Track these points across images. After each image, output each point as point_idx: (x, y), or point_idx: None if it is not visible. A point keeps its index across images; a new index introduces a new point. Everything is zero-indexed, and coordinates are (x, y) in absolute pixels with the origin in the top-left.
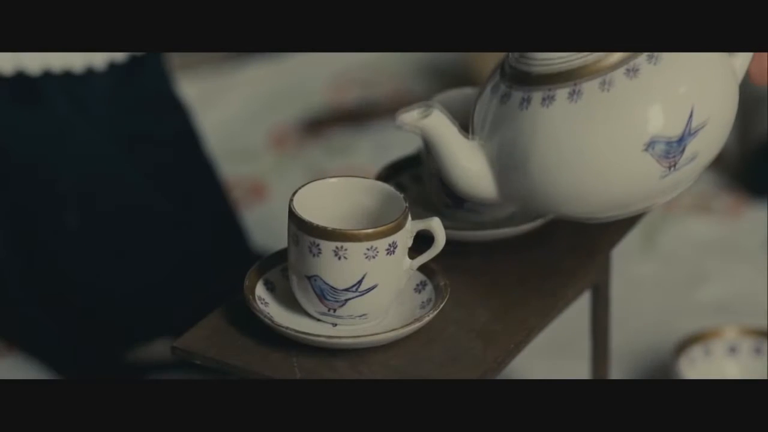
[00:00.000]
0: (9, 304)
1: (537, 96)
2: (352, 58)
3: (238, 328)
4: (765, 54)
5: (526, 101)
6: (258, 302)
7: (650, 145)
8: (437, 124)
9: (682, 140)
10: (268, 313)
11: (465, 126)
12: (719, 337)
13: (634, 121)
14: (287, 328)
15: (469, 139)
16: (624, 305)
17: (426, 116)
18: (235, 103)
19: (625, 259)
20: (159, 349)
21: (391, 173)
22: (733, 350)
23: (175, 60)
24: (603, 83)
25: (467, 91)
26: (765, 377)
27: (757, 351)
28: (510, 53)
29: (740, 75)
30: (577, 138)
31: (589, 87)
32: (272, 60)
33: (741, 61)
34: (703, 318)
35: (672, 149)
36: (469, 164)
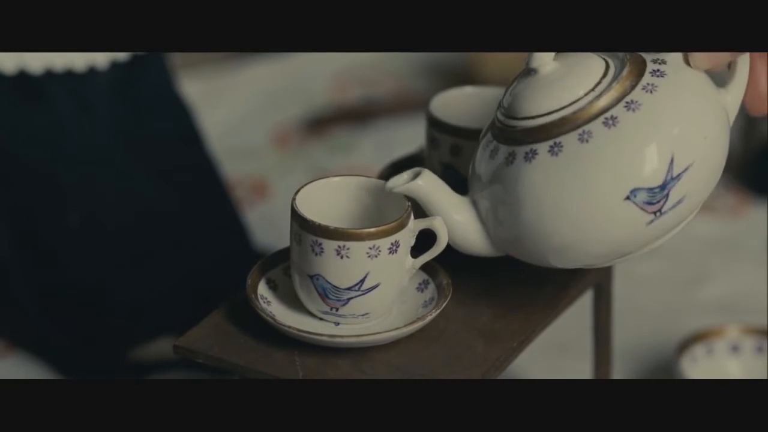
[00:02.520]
0: (10, 303)
1: (521, 152)
2: (353, 57)
3: (240, 327)
4: (757, 84)
5: (511, 156)
6: (260, 301)
7: (632, 194)
8: (426, 183)
9: (664, 187)
10: (271, 312)
11: (464, 124)
12: (721, 336)
13: (612, 173)
14: (289, 327)
15: (467, 193)
16: (626, 304)
17: (415, 177)
18: (238, 102)
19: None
20: (160, 348)
21: (394, 172)
22: (735, 349)
23: (177, 59)
24: (582, 134)
25: (467, 91)
26: (767, 376)
27: (759, 350)
28: (496, 110)
29: (733, 110)
30: (558, 192)
31: (569, 140)
32: (274, 59)
33: (732, 97)
34: (706, 317)
35: (655, 196)
36: (460, 218)
